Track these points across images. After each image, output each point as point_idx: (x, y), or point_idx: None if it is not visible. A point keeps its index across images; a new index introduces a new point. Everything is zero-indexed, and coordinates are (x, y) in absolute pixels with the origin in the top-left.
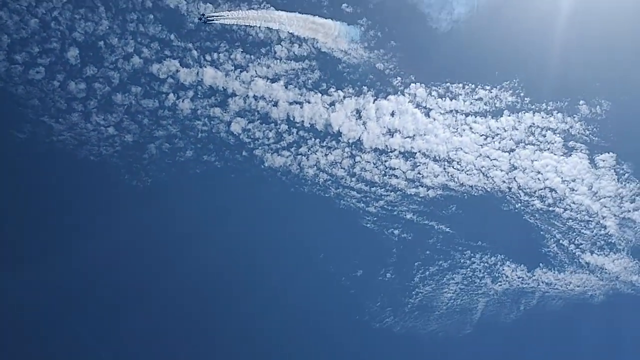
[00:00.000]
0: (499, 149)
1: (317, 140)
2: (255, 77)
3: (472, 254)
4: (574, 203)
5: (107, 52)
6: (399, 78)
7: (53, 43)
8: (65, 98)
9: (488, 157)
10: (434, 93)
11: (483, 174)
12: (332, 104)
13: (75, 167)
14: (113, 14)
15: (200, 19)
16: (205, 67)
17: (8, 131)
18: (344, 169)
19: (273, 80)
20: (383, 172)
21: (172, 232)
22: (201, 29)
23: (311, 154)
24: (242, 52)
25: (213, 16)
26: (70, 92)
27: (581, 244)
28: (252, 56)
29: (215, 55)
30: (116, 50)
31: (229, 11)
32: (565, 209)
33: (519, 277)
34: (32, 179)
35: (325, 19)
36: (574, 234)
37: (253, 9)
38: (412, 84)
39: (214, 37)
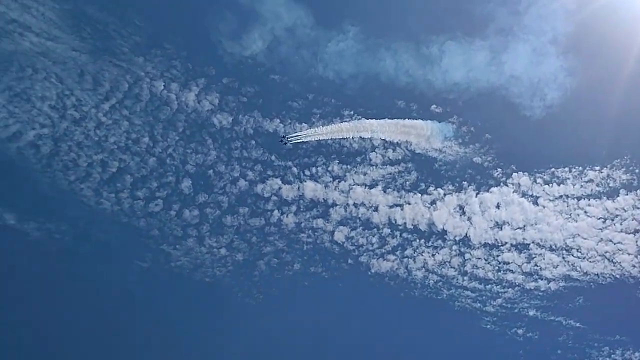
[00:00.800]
0: (621, 230)
1: (422, 240)
2: (353, 185)
3: (611, 351)
4: None
5: (216, 179)
6: (499, 169)
7: (169, 177)
8: (181, 225)
9: (611, 240)
10: (539, 180)
11: (608, 259)
12: (433, 202)
13: (192, 289)
14: (219, 144)
15: (281, 141)
16: (305, 181)
17: (133, 262)
18: (454, 268)
19: (371, 186)
20: (496, 267)
21: (287, 346)
22: (299, 147)
23: (417, 255)
24: (338, 163)
25: (293, 136)
26: (185, 219)
27: None
28: (348, 166)
29: (313, 170)
30: (224, 176)
31: (323, 126)
32: None
33: None
34: (154, 304)
35: (415, 120)
36: None
37: (345, 121)
38: (514, 174)
39: (311, 153)
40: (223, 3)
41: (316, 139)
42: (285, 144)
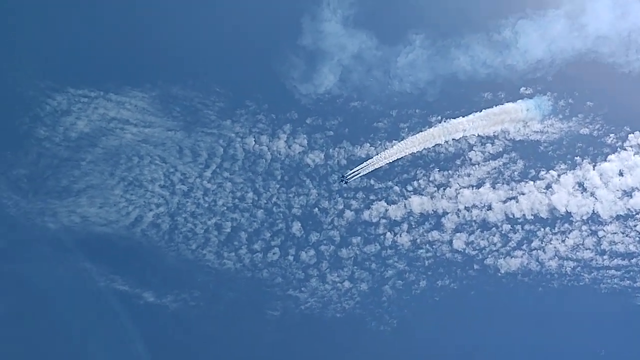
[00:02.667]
0: None
1: (547, 228)
2: (460, 189)
3: None
4: None
5: (322, 216)
6: (611, 135)
7: (279, 224)
8: (301, 268)
9: None
10: None
11: None
12: (549, 186)
13: (326, 328)
14: (317, 181)
15: (341, 181)
16: (410, 197)
17: (265, 312)
18: (589, 249)
19: (478, 186)
20: (637, 238)
21: None
22: (396, 165)
23: (546, 245)
24: (438, 171)
25: (352, 173)
26: (304, 261)
27: None
28: (449, 171)
29: (415, 184)
30: (329, 211)
31: (410, 137)
32: None
33: None
34: (295, 351)
35: (504, 104)
36: None
37: (435, 126)
38: (630, 135)
39: (409, 168)
40: (288, 51)
41: (407, 153)
42: (346, 183)
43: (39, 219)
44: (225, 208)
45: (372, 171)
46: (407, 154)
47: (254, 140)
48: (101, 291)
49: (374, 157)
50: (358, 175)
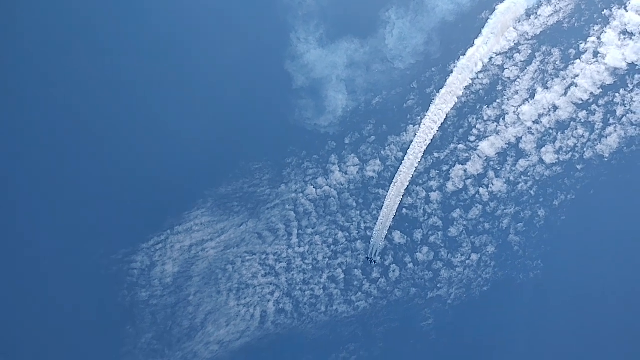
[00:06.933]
0: None
1: (622, 90)
2: (517, 109)
3: None
4: None
5: (412, 212)
6: None
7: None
8: (425, 268)
9: None
10: None
11: None
12: (596, 54)
13: (481, 307)
14: (388, 187)
15: (370, 262)
16: (477, 146)
17: (419, 327)
18: None
19: (532, 96)
20: None
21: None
22: (445, 127)
23: (630, 105)
24: (487, 107)
25: (372, 249)
26: (423, 261)
27: None
28: (497, 101)
29: (474, 131)
30: (416, 204)
31: (436, 102)
32: None
33: None
34: (465, 346)
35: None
36: None
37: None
38: None
39: (459, 121)
40: (291, 99)
41: (447, 111)
42: (375, 262)
43: None
44: (328, 259)
45: (387, 233)
46: (447, 111)
47: (313, 187)
48: None
49: (379, 222)
50: (379, 248)
